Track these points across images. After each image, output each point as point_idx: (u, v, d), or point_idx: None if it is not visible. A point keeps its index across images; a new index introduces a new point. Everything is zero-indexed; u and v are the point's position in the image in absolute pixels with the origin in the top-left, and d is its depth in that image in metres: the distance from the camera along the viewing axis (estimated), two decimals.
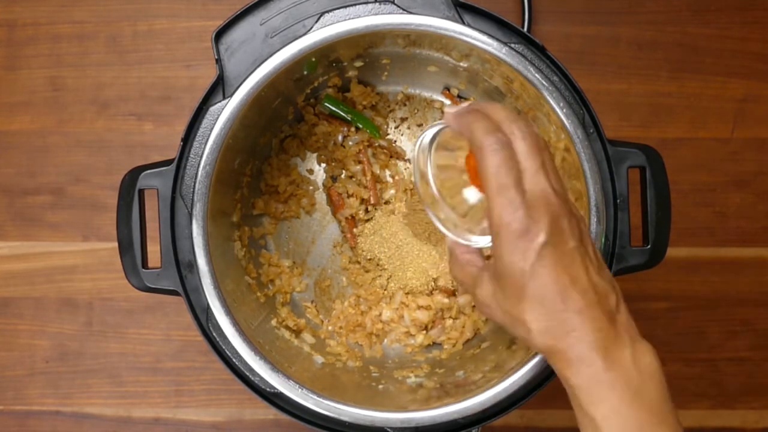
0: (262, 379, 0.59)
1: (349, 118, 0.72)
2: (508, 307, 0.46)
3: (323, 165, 0.74)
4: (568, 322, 0.44)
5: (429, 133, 0.52)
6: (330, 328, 0.72)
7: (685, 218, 0.78)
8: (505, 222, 0.44)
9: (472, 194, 0.50)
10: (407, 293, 0.72)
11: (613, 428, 0.44)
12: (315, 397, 0.59)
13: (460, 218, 0.51)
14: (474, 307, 0.72)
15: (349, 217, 0.73)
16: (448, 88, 0.73)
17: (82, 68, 0.78)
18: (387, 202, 0.73)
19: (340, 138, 0.73)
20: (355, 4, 0.60)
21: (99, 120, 0.78)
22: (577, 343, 0.44)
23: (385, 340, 0.73)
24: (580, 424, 0.46)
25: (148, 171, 0.59)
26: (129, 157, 0.78)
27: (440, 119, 0.73)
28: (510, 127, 0.46)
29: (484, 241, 0.51)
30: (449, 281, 0.72)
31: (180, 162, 0.59)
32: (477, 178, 0.47)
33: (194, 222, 0.59)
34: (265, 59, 0.59)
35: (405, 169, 0.74)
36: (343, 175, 0.73)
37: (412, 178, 0.53)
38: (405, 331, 0.72)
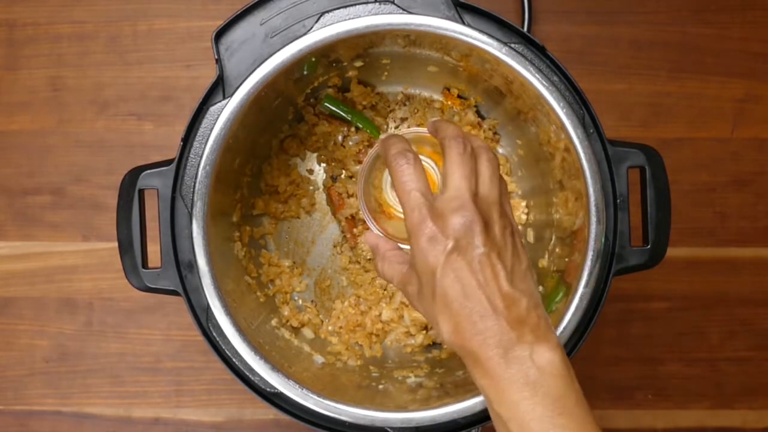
0: (262, 379, 0.59)
1: (349, 118, 0.72)
2: (425, 305, 0.49)
3: (323, 165, 0.74)
4: (474, 325, 0.46)
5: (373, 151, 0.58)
6: (330, 328, 0.72)
7: (685, 218, 0.78)
8: (415, 225, 0.47)
9: None
10: None
11: (515, 423, 0.45)
12: (315, 397, 0.59)
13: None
14: None
15: (349, 217, 0.73)
16: (448, 88, 0.73)
17: (82, 68, 0.78)
18: None
19: (340, 138, 0.73)
20: (355, 4, 0.60)
21: (99, 120, 0.78)
22: (482, 343, 0.46)
23: (385, 340, 0.73)
24: (493, 422, 0.48)
25: (148, 171, 0.59)
26: (129, 157, 0.78)
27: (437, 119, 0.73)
28: (447, 141, 0.49)
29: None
30: None
31: (180, 162, 0.59)
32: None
33: (194, 222, 0.59)
34: (265, 59, 0.59)
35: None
36: (343, 175, 0.73)
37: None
38: (405, 331, 0.72)
